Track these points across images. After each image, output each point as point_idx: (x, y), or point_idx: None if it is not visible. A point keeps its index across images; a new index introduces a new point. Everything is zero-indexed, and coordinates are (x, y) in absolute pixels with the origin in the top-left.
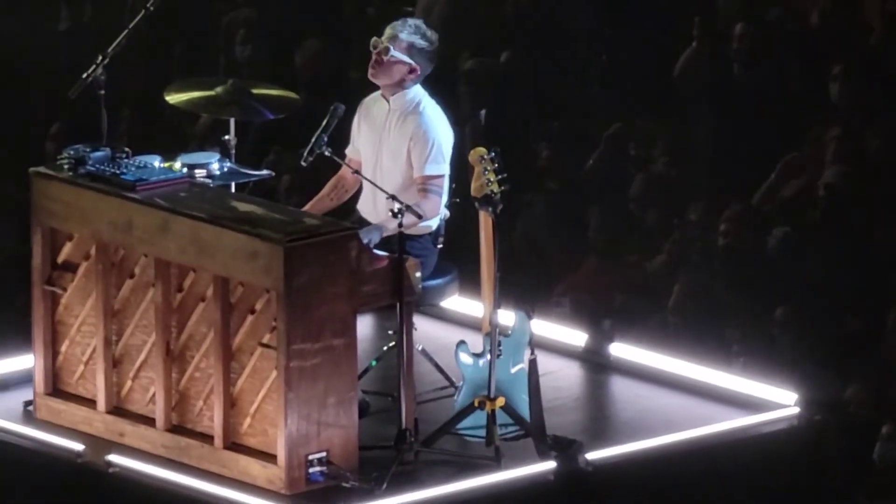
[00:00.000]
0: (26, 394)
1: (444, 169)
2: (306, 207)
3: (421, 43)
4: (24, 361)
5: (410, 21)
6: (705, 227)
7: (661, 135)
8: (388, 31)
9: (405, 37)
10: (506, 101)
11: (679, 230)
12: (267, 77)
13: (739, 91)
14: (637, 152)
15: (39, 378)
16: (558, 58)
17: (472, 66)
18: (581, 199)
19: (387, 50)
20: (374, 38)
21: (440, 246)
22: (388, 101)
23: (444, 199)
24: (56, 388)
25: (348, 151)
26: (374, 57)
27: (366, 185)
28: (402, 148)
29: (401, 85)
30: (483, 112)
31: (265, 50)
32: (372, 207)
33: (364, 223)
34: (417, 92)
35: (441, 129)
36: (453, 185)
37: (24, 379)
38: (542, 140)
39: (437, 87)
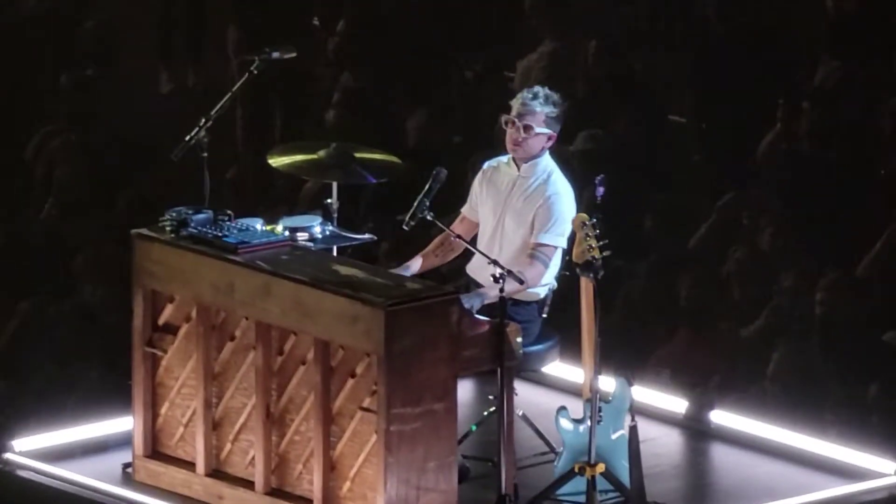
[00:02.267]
0: (125, 456)
1: (561, 242)
2: (411, 262)
3: (554, 111)
4: (124, 423)
5: (539, 92)
6: (803, 296)
7: (767, 205)
8: (519, 106)
9: (541, 109)
10: (611, 171)
11: (777, 298)
12: (373, 143)
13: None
14: (748, 222)
15: (139, 440)
16: (658, 125)
17: (583, 139)
18: (680, 268)
19: (529, 128)
20: (505, 116)
21: (545, 315)
22: (517, 168)
23: (554, 271)
24: (155, 451)
25: (464, 210)
26: (513, 134)
27: (482, 247)
28: (528, 215)
29: (537, 155)
30: (600, 179)
31: (371, 117)
32: (481, 269)
33: (473, 285)
34: (548, 162)
35: (567, 204)
36: (567, 258)
37: (124, 441)
38: (647, 211)
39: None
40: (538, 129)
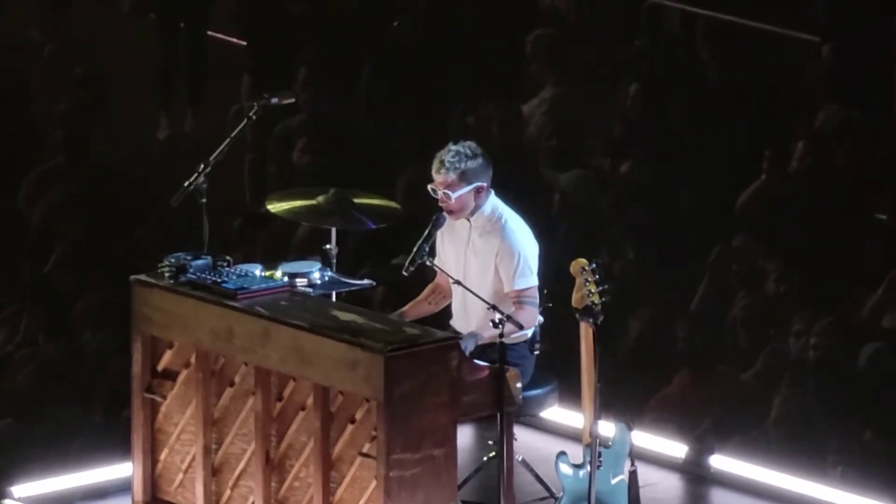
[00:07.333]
0: (125, 502)
1: (534, 280)
2: (405, 309)
3: (471, 164)
4: (124, 470)
5: (446, 156)
6: (799, 340)
7: (762, 252)
8: (434, 174)
9: (454, 175)
10: (601, 214)
11: (774, 343)
12: (373, 189)
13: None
14: (739, 269)
15: (138, 486)
16: (658, 170)
17: (570, 176)
18: (680, 313)
19: (448, 196)
20: (429, 186)
21: (537, 352)
22: (468, 220)
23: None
24: (155, 497)
25: (435, 265)
26: (441, 202)
27: (456, 301)
28: (488, 264)
29: (477, 206)
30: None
31: (370, 163)
32: (465, 322)
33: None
34: (496, 206)
35: (525, 242)
36: (545, 292)
37: (123, 487)
38: (641, 252)
39: (535, 195)
40: (457, 193)
